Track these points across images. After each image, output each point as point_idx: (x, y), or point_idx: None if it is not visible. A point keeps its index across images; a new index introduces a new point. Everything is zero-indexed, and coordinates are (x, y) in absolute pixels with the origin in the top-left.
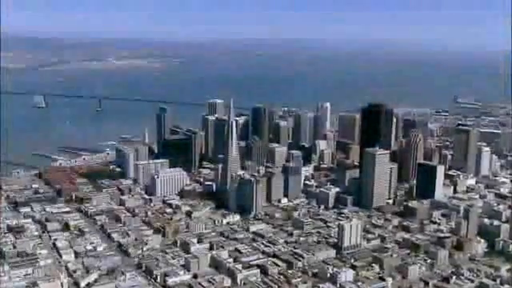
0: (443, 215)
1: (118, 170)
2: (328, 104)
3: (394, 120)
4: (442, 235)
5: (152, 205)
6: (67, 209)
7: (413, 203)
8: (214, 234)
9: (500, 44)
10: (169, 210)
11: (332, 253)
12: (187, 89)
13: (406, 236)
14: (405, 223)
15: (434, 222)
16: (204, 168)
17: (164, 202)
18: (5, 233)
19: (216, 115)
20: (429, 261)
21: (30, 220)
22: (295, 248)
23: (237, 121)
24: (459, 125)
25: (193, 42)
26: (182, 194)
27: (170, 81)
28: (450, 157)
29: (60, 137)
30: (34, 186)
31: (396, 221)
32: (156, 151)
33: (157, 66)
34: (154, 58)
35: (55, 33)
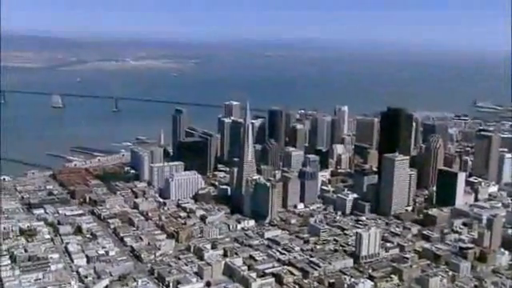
0: (464, 224)
1: (133, 171)
2: (346, 107)
3: (414, 124)
4: (463, 245)
5: (166, 208)
6: (80, 211)
7: (433, 211)
8: (228, 239)
9: (501, 44)
10: (183, 214)
11: (349, 262)
12: (203, 90)
13: (426, 245)
14: (425, 232)
15: (455, 232)
16: (219, 171)
17: (178, 205)
18: (17, 236)
19: (232, 117)
20: (450, 273)
21: (42, 223)
22: (311, 256)
23: (253, 123)
24: (480, 130)
25: (209, 42)
26: (197, 197)
27: (186, 81)
28: (470, 163)
29: (76, 137)
30: (48, 187)
31: (415, 229)
32: (171, 153)
33: (173, 66)
34: (169, 58)
35: (73, 33)
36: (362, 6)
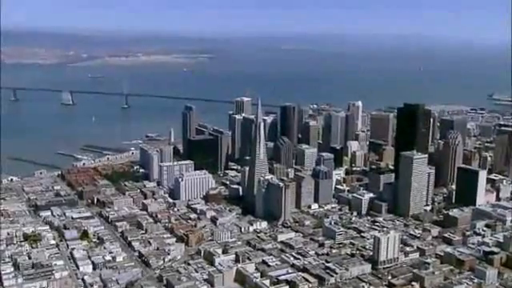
0: (487, 226)
1: (142, 171)
2: (359, 103)
3: (431, 120)
4: (488, 250)
5: (176, 209)
6: (88, 213)
7: (453, 211)
8: (239, 242)
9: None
10: (193, 216)
11: (367, 268)
12: (213, 85)
13: (448, 249)
14: (446, 234)
15: (478, 234)
16: (230, 169)
17: (188, 206)
18: (20, 241)
19: (243, 114)
20: (476, 280)
21: (47, 227)
22: (327, 261)
23: (265, 120)
24: (500, 125)
25: (223, 37)
26: (207, 197)
27: (196, 77)
28: (489, 159)
29: (85, 135)
30: (55, 187)
31: (435, 231)
32: (181, 151)
33: (184, 61)
34: (180, 53)
35: (83, 29)
36: (367, 3)
